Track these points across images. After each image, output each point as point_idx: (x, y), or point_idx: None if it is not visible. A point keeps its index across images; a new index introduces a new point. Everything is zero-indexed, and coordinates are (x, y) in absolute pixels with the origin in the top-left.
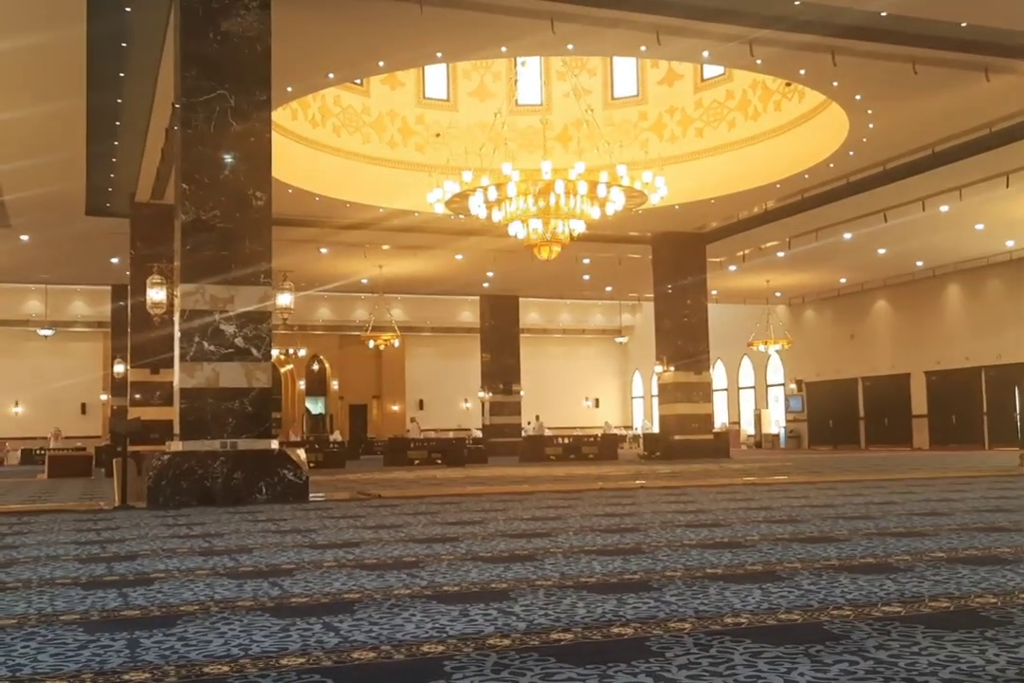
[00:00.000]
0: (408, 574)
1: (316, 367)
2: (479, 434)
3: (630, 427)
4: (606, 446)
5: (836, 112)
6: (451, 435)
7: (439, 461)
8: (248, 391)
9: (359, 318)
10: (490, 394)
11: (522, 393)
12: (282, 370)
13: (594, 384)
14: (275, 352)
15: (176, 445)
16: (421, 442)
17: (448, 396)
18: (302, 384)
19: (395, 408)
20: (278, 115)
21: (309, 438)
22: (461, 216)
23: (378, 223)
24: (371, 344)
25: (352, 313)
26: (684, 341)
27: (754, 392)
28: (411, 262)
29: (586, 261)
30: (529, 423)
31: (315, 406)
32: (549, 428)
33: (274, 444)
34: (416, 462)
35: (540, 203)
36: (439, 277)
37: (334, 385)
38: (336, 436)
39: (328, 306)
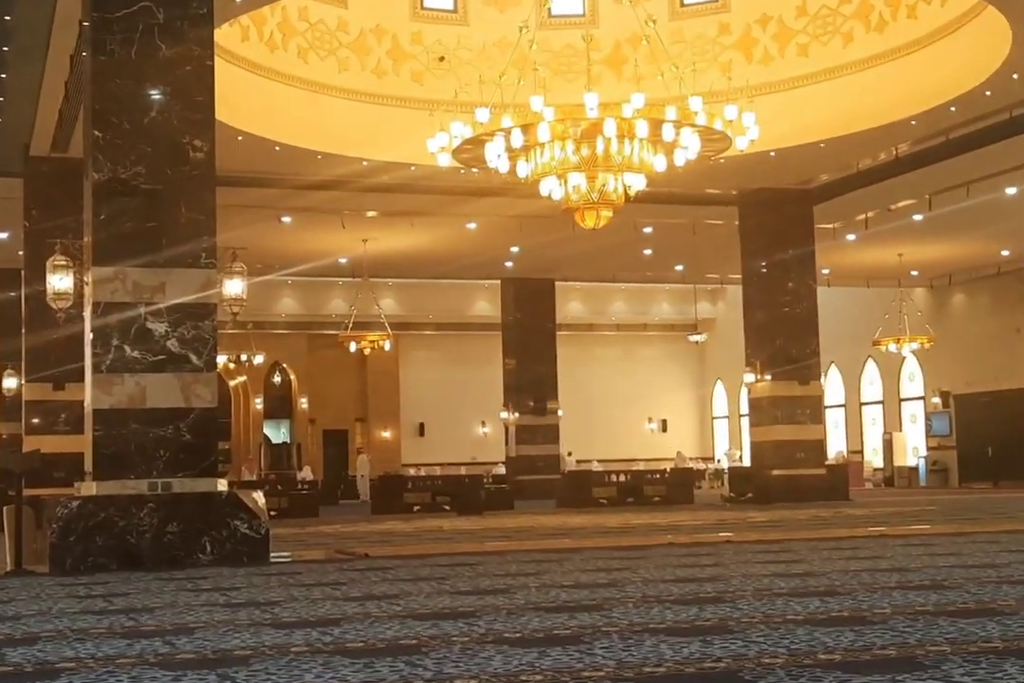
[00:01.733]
0: (407, 662)
1: (278, 379)
2: (501, 470)
3: (710, 459)
4: (678, 485)
5: (993, 19)
6: (463, 471)
7: (447, 507)
8: (186, 413)
9: (336, 311)
10: (516, 415)
11: (560, 413)
12: (231, 384)
13: (660, 400)
14: (222, 359)
15: (88, 487)
16: (422, 482)
17: (458, 418)
18: (259, 403)
19: (386, 434)
20: (223, 35)
21: (269, 476)
22: (474, 170)
23: (361, 181)
24: (352, 347)
25: (326, 305)
26: (785, 339)
27: (882, 409)
28: (406, 235)
29: (647, 230)
30: (570, 454)
31: (276, 433)
32: (599, 461)
33: (222, 485)
34: (416, 508)
35: (583, 151)
36: (445, 255)
37: (302, 404)
38: (306, 473)
39: (294, 296)
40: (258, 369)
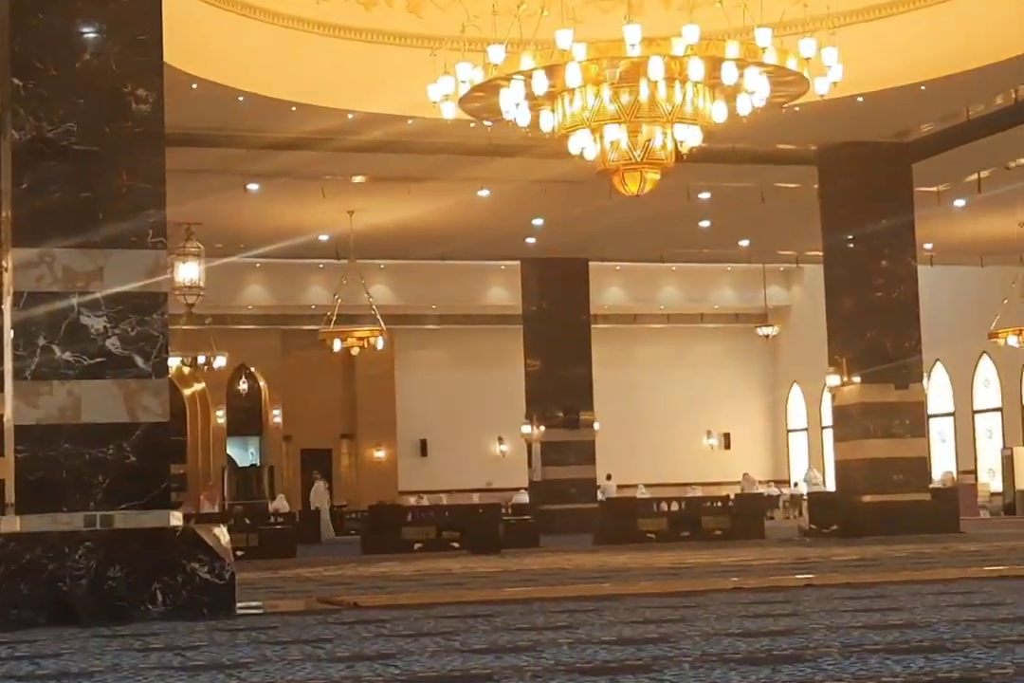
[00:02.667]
0: None
1: (245, 387)
2: (524, 498)
3: (785, 482)
4: (744, 515)
5: None
6: (476, 500)
7: (456, 544)
8: (131, 429)
9: (316, 302)
10: (541, 429)
11: (597, 426)
12: (186, 392)
13: (721, 409)
14: (174, 362)
15: (10, 523)
16: (425, 513)
17: (469, 433)
18: (221, 416)
19: (379, 454)
20: None
21: (234, 508)
22: (487, 123)
23: (345, 139)
24: (337, 346)
25: (304, 294)
26: (878, 332)
27: (1001, 418)
28: (402, 205)
29: (704, 196)
30: (609, 478)
31: (243, 454)
32: (645, 486)
33: (176, 519)
34: (417, 547)
35: (623, 98)
36: (450, 230)
37: (275, 417)
38: (280, 504)
39: (264, 282)
40: (220, 374)
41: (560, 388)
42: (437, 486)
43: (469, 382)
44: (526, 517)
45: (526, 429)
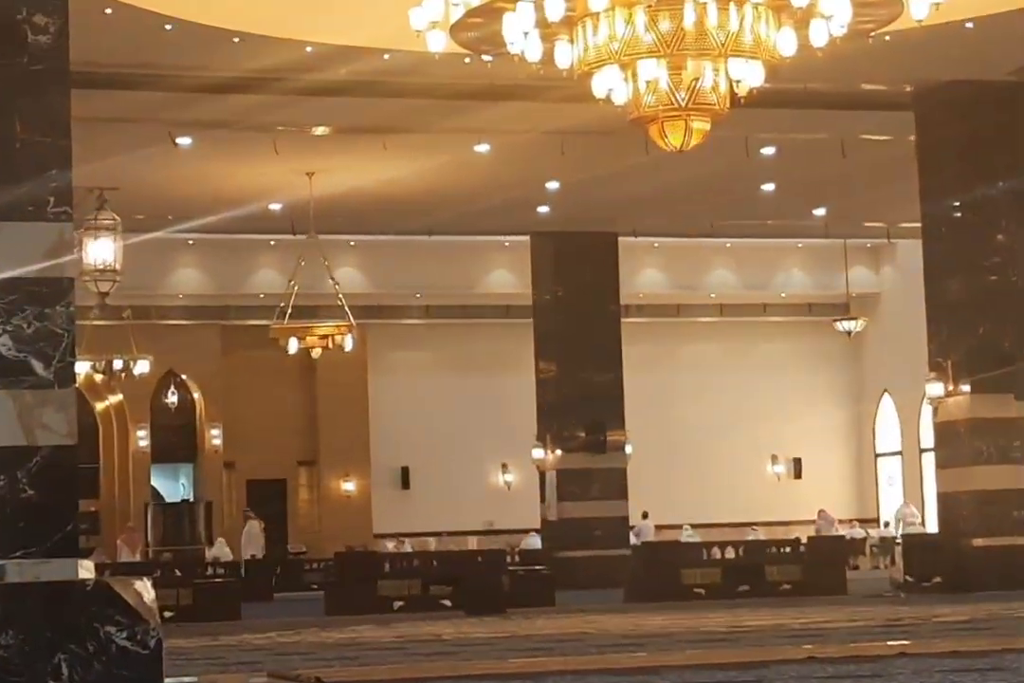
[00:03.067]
0: None
1: (174, 399)
2: (535, 543)
3: (873, 522)
4: (820, 565)
5: None
6: (473, 545)
7: (447, 602)
8: (27, 454)
9: (265, 289)
10: (558, 453)
11: (629, 450)
12: (99, 407)
13: (790, 427)
14: (84, 367)
15: None
16: (407, 562)
17: (464, 459)
18: (143, 437)
19: (347, 487)
20: None
21: (161, 556)
22: (486, 58)
23: (303, 79)
24: (293, 346)
25: (250, 279)
26: (992, 325)
27: None
28: (377, 164)
29: (768, 151)
30: (645, 516)
31: (172, 486)
32: (691, 526)
33: (86, 570)
34: (397, 605)
35: (663, 25)
36: (440, 196)
37: (213, 439)
38: (221, 551)
39: (199, 265)
40: (142, 383)
41: (582, 400)
42: (423, 527)
43: (464, 393)
44: (538, 567)
45: (538, 453)
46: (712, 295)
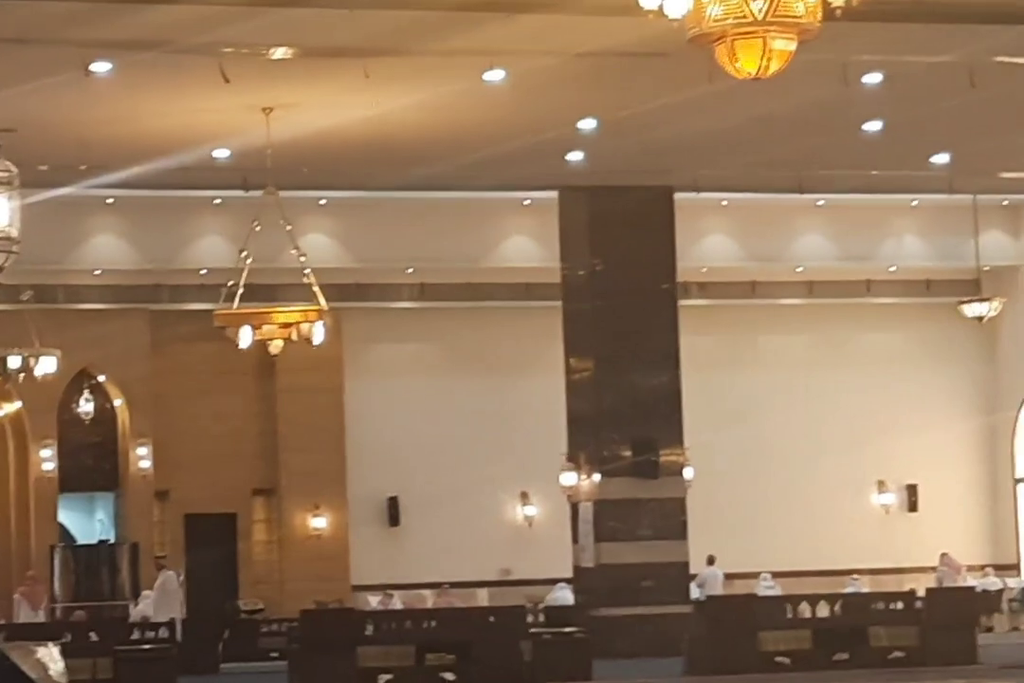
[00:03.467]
0: None
1: (88, 408)
2: (565, 597)
3: (1013, 568)
4: (943, 626)
5: None
6: (483, 601)
7: (449, 676)
8: None
9: (208, 262)
10: (595, 478)
11: (690, 473)
12: None
13: (902, 443)
14: None
15: None
16: (396, 623)
17: (471, 486)
18: (48, 459)
19: (317, 523)
20: None
21: (72, 615)
22: None
23: None
24: (245, 337)
25: (188, 249)
26: None
27: None
28: (355, 98)
29: (872, 80)
30: (711, 562)
31: (87, 522)
32: (772, 575)
33: None
34: (385, 681)
35: None
36: (438, 139)
37: (140, 461)
38: (149, 607)
39: (121, 230)
40: (47, 387)
41: (627, 409)
42: (417, 577)
43: (471, 400)
44: (569, 630)
45: (568, 479)
46: (798, 269)
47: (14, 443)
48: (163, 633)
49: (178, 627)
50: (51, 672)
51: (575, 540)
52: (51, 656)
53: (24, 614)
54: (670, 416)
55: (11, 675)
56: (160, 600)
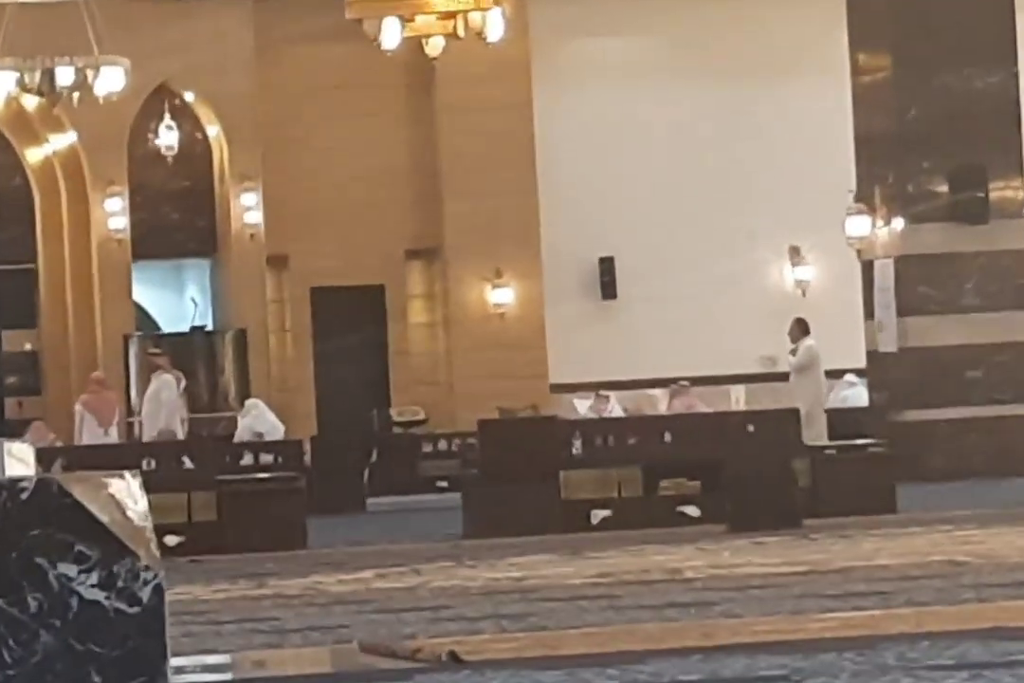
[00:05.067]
0: None
1: (171, 140)
2: (856, 394)
3: None
4: None
5: None
6: (737, 399)
7: (691, 509)
8: None
9: None
10: (896, 224)
11: None
12: (32, 159)
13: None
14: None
15: None
16: (613, 436)
17: (716, 240)
18: (115, 214)
19: (499, 297)
20: None
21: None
22: None
23: None
24: (389, 35)
25: None
26: None
27: None
28: None
29: None
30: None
31: (174, 301)
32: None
33: (16, 459)
34: (600, 517)
35: None
36: None
37: (246, 213)
38: (262, 421)
39: None
40: (111, 109)
41: (941, 124)
42: (643, 372)
43: (714, 115)
44: (863, 441)
45: (857, 227)
46: None
47: (68, 192)
48: (286, 457)
49: (305, 449)
50: (129, 512)
51: (869, 315)
52: (128, 491)
53: (90, 432)
54: (1004, 134)
55: (73, 517)
56: (152, 412)
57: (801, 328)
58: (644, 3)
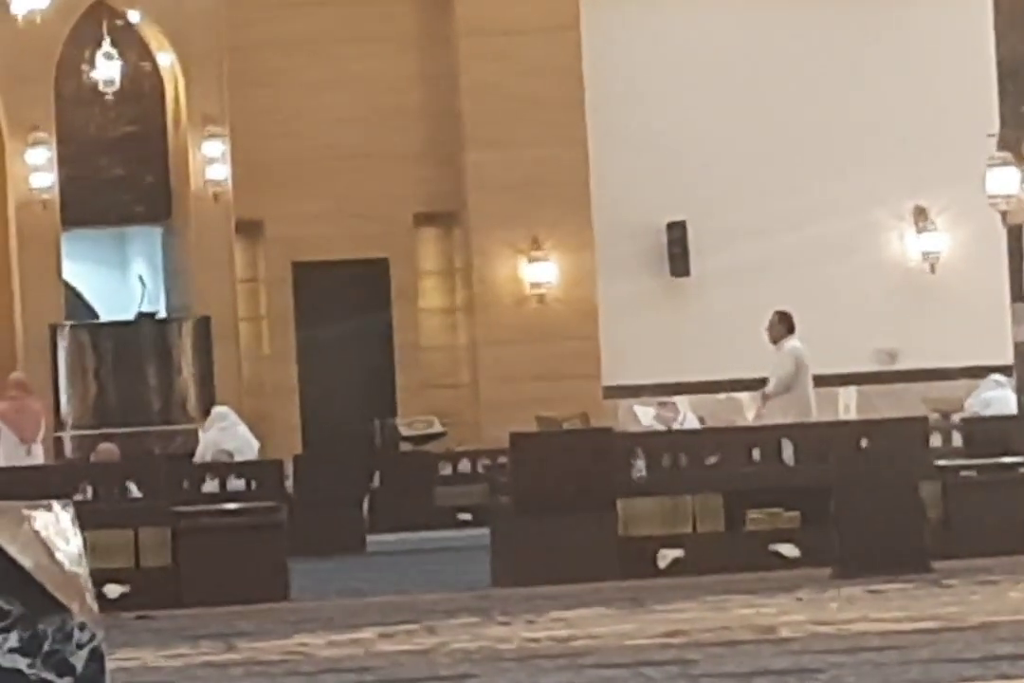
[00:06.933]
0: None
1: (107, 72)
2: (1001, 398)
3: None
4: None
5: None
6: (848, 405)
7: (786, 549)
8: None
9: None
10: None
11: None
12: None
13: None
14: None
15: None
16: (686, 453)
17: (814, 202)
18: (39, 169)
19: (537, 272)
20: None
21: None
22: None
23: None
24: None
25: None
26: None
27: None
28: None
29: None
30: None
31: (114, 282)
32: None
33: None
34: (669, 558)
35: None
36: None
37: (208, 169)
38: (231, 436)
39: None
40: (34, 31)
41: None
42: (720, 371)
43: (814, 43)
44: (1013, 460)
45: (1001, 182)
46: None
47: None
48: (262, 482)
49: (287, 470)
50: (58, 555)
51: (1016, 296)
52: (58, 526)
53: (7, 451)
54: None
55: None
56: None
57: (785, 324)
58: None
